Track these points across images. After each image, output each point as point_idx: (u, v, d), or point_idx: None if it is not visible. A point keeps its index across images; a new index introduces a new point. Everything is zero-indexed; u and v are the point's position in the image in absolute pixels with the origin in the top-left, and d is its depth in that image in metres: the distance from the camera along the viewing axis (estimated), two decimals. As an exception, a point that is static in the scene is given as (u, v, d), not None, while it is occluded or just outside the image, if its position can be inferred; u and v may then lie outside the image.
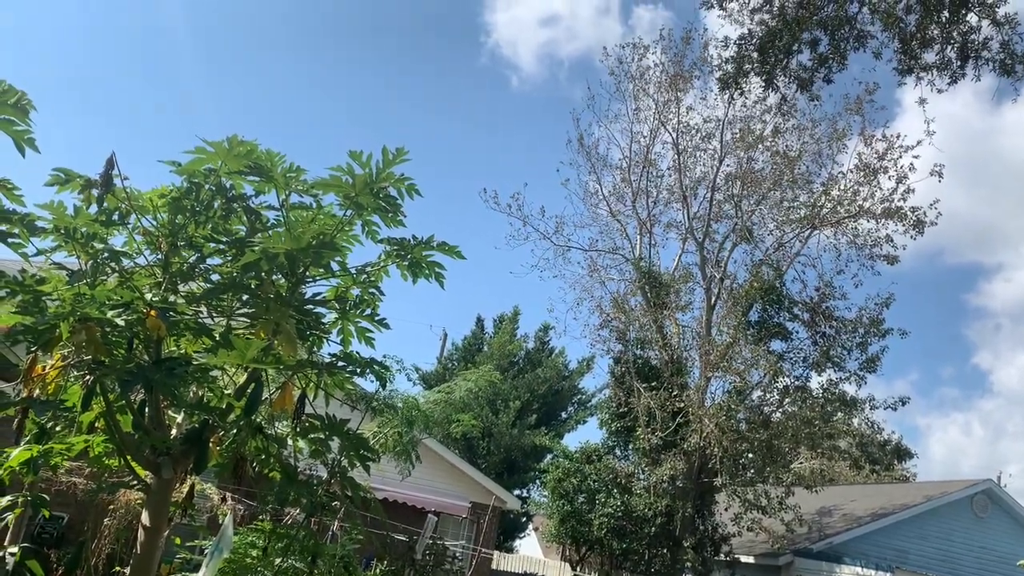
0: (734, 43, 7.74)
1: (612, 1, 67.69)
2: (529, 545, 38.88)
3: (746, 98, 9.08)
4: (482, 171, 65.03)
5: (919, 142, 20.05)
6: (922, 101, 8.03)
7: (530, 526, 35.95)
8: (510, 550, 33.65)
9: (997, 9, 7.25)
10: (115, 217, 3.97)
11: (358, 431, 5.03)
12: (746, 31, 7.64)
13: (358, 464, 4.74)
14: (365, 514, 4.72)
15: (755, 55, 7.46)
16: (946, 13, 7.19)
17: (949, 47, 7.41)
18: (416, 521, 14.55)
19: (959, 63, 7.51)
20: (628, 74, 23.30)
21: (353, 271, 4.44)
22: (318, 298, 4.49)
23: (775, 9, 7.41)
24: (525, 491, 33.27)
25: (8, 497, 4.81)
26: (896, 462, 24.51)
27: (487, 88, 67.63)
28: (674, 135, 23.02)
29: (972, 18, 7.25)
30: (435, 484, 19.13)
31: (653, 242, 23.57)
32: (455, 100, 67.46)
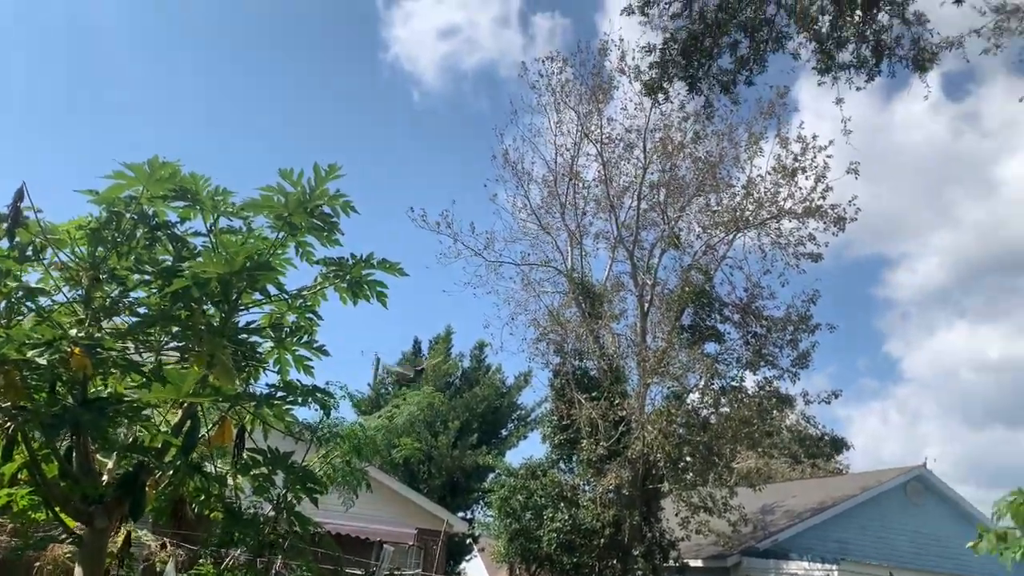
0: (658, 48, 7.85)
1: (510, 11, 68.37)
2: (475, 568, 38.42)
3: (671, 102, 9.18)
4: (400, 188, 64.61)
5: (831, 142, 20.74)
6: (839, 100, 8.28)
7: (475, 548, 35.57)
8: (458, 575, 33.20)
9: (906, 7, 7.53)
10: (28, 252, 3.70)
11: (303, 463, 4.81)
12: (669, 35, 7.73)
13: (304, 498, 4.55)
14: (316, 550, 4.51)
15: (680, 59, 7.57)
16: (859, 12, 7.42)
17: (864, 45, 7.66)
18: (362, 553, 14.17)
19: (874, 61, 7.77)
20: (548, 87, 23.47)
21: (288, 296, 4.25)
22: (252, 326, 4.28)
23: (695, 14, 7.52)
24: (470, 512, 32.91)
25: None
26: (834, 455, 25.14)
27: (391, 103, 67.42)
28: (598, 146, 23.27)
29: (884, 17, 7.51)
30: (378, 513, 18.70)
31: (584, 253, 23.75)
32: (359, 119, 66.93)
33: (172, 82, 57.23)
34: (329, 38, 65.08)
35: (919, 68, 7.80)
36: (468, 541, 32.65)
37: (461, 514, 30.32)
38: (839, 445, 21.60)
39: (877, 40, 7.62)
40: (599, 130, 23.13)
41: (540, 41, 61.84)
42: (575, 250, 23.58)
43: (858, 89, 7.91)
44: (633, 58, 21.19)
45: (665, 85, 8.07)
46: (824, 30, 7.78)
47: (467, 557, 34.61)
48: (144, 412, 3.83)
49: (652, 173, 23.09)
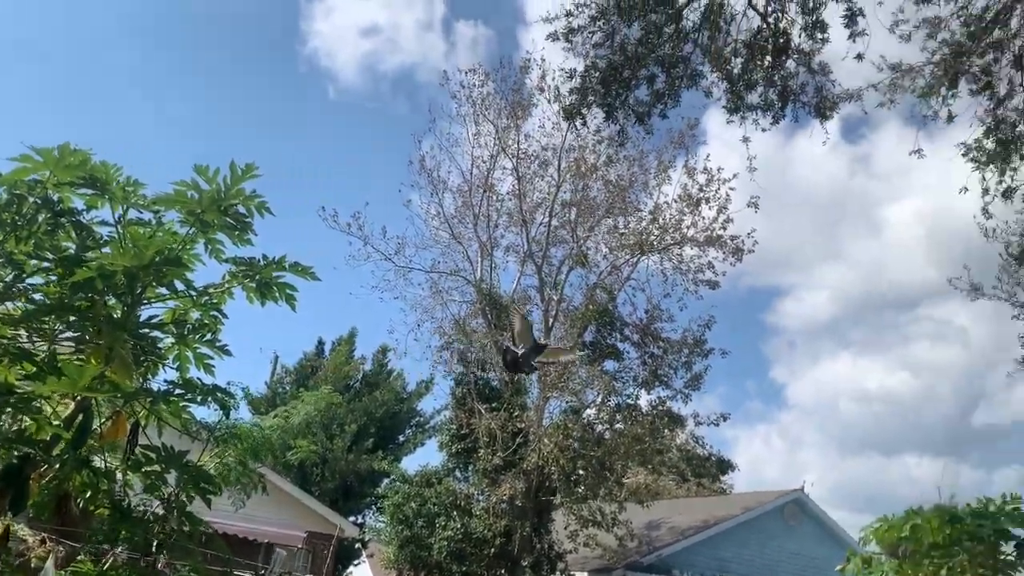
0: (579, 75, 8.10)
1: (434, 16, 68.32)
2: (362, 573, 37.95)
3: (587, 127, 9.47)
4: (311, 184, 63.45)
5: (735, 175, 21.62)
6: (746, 139, 8.71)
7: (363, 553, 35.14)
8: (344, 580, 32.70)
9: (812, 58, 8.02)
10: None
11: (198, 463, 4.74)
12: (590, 63, 7.99)
13: (196, 497, 4.48)
14: (205, 551, 4.45)
15: (599, 88, 7.83)
16: (769, 58, 7.84)
17: (771, 90, 8.11)
18: (248, 554, 13.85)
19: (780, 105, 8.22)
20: (469, 99, 23.61)
21: (194, 293, 4.20)
22: (154, 321, 4.21)
23: (616, 45, 7.80)
24: (361, 517, 32.51)
25: None
26: (720, 475, 26.05)
27: (306, 97, 66.28)
28: (514, 160, 23.52)
29: (791, 64, 7.97)
30: (268, 514, 18.27)
31: (494, 265, 23.96)
32: (274, 111, 65.49)
33: (83, 67, 54.77)
34: (247, 26, 63.52)
35: (821, 115, 8.30)
36: (357, 546, 32.23)
37: (352, 518, 29.91)
38: (725, 466, 22.45)
39: (784, 86, 8.09)
40: (516, 145, 23.40)
41: (462, 49, 62.04)
42: (485, 261, 23.78)
43: (764, 130, 8.37)
44: (553, 78, 21.68)
45: (584, 111, 8.33)
46: (736, 71, 8.19)
47: (355, 562, 34.16)
48: (33, 403, 3.72)
49: (565, 192, 23.54)
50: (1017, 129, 9.34)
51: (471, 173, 24.19)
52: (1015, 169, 9.41)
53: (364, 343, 48.82)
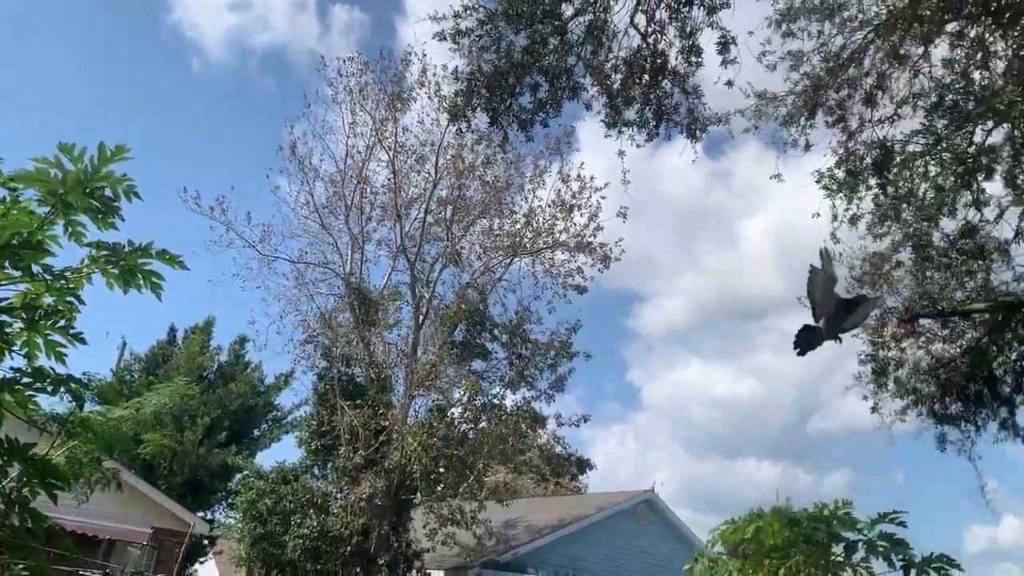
0: (465, 77, 8.15)
1: (308, -4, 66.81)
2: (208, 570, 36.52)
3: (471, 129, 9.54)
4: (174, 163, 60.44)
5: (607, 183, 22.28)
6: (622, 153, 9.03)
7: (211, 550, 33.82)
8: (190, 577, 31.34)
9: (687, 80, 8.41)
10: None
11: (46, 456, 4.47)
12: (476, 67, 8.05)
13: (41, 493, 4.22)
14: (49, 550, 4.19)
15: (484, 92, 7.90)
16: (647, 76, 8.17)
17: (647, 108, 8.44)
18: (88, 552, 13.05)
19: (655, 123, 8.57)
20: (346, 87, 23.19)
21: (49, 277, 3.96)
22: (3, 304, 3.94)
23: (502, 51, 7.90)
24: (211, 513, 31.25)
25: None
26: (578, 474, 26.74)
27: (168, 73, 63.22)
28: (390, 153, 23.31)
29: (667, 84, 8.33)
30: (110, 509, 17.28)
31: (364, 258, 23.63)
32: (133, 82, 62.01)
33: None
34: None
35: (691, 135, 8.73)
36: (205, 542, 30.98)
37: (201, 514, 28.68)
38: (584, 465, 23.05)
39: (659, 105, 8.44)
40: (393, 138, 23.20)
41: (336, 33, 60.83)
42: (356, 254, 23.42)
43: (638, 146, 8.71)
44: (434, 74, 21.64)
45: (468, 113, 8.39)
46: (615, 87, 8.47)
47: (200, 559, 32.83)
48: None
49: (441, 189, 23.56)
50: (864, 161, 10.14)
51: (345, 163, 23.77)
52: (861, 198, 10.20)
53: (221, 333, 47.00)
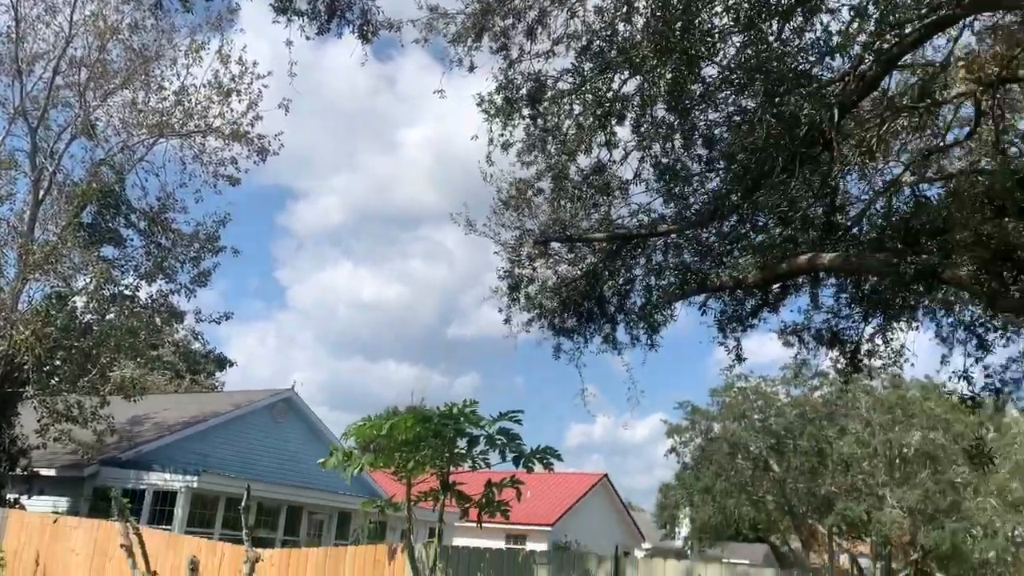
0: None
1: None
2: None
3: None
4: None
5: (270, 72, 21.20)
6: (289, 43, 8.68)
7: None
8: None
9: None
10: None
11: None
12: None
13: None
14: None
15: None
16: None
17: (320, 0, 8.20)
18: None
19: (327, 16, 8.37)
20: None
21: None
22: None
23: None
24: None
25: None
26: (217, 371, 25.91)
27: None
28: (12, -4, 19.77)
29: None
30: None
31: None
32: None
33: None
34: None
35: (363, 37, 8.68)
36: None
37: None
38: (223, 363, 22.42)
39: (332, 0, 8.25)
40: (16, -23, 19.69)
41: None
42: (-41, 109, 19.76)
43: (308, 38, 8.45)
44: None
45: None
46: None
47: None
48: None
49: (76, 48, 20.59)
50: (521, 91, 10.90)
51: (-50, -1, 19.70)
52: (515, 126, 10.96)
53: None
